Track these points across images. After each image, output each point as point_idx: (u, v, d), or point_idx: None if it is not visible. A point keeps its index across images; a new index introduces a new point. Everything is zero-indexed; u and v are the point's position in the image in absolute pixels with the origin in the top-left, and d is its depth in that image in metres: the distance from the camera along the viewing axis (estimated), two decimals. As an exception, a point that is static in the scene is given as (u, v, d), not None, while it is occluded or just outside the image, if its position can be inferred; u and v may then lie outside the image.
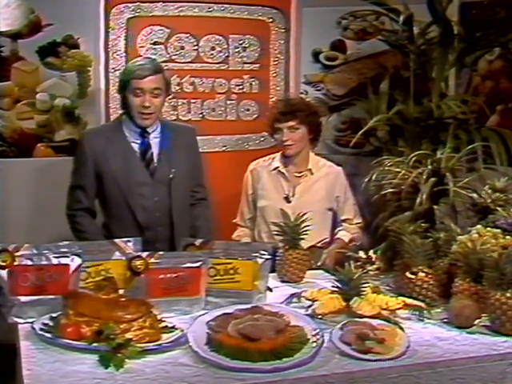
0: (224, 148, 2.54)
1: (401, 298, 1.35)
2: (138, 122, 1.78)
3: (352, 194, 2.07)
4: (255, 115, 2.55)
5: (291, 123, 1.94)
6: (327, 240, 2.03)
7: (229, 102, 2.51)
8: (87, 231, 1.78)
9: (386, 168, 1.62)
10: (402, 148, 2.18)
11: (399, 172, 1.58)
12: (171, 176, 1.79)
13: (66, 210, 1.84)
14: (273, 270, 1.59)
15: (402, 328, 1.25)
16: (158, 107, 1.78)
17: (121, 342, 1.12)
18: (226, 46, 2.48)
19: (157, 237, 1.79)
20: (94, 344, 1.14)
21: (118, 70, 2.29)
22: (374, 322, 1.25)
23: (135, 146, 1.81)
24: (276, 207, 1.95)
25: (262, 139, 2.56)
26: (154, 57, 2.33)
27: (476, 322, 1.31)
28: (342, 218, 2.05)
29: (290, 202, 2.00)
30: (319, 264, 1.87)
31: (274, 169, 2.04)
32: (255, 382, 1.07)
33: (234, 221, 2.09)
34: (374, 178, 1.62)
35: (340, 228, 2.05)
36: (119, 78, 1.82)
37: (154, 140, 1.83)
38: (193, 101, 2.47)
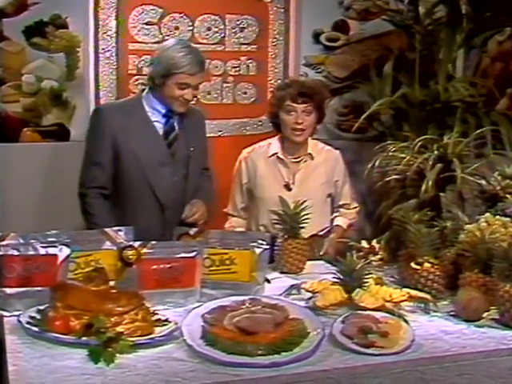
0: (220, 133, 2.48)
1: (405, 290, 1.33)
2: (176, 109, 1.77)
3: (349, 178, 2.03)
4: (252, 98, 2.50)
5: (307, 105, 1.87)
6: (328, 228, 1.99)
7: (225, 84, 2.45)
8: (97, 215, 1.73)
9: (390, 154, 1.64)
10: (407, 133, 2.16)
11: (404, 158, 1.59)
12: (190, 155, 1.79)
13: (79, 188, 1.77)
14: (271, 261, 1.55)
15: (406, 321, 1.23)
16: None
17: (111, 335, 1.09)
18: (222, 27, 2.41)
19: (175, 217, 1.77)
20: (84, 338, 1.11)
21: (108, 50, 2.25)
22: (377, 314, 1.23)
23: (158, 126, 1.78)
24: (276, 196, 1.89)
25: (260, 124, 2.51)
26: (146, 38, 2.27)
27: (484, 314, 1.29)
28: (340, 203, 2.01)
29: (290, 189, 1.94)
30: (322, 253, 1.84)
31: (272, 155, 1.97)
32: (252, 377, 1.04)
33: (225, 210, 2.04)
34: (377, 164, 1.63)
35: (337, 214, 2.01)
36: (159, 65, 1.72)
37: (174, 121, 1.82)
38: (187, 83, 2.42)
